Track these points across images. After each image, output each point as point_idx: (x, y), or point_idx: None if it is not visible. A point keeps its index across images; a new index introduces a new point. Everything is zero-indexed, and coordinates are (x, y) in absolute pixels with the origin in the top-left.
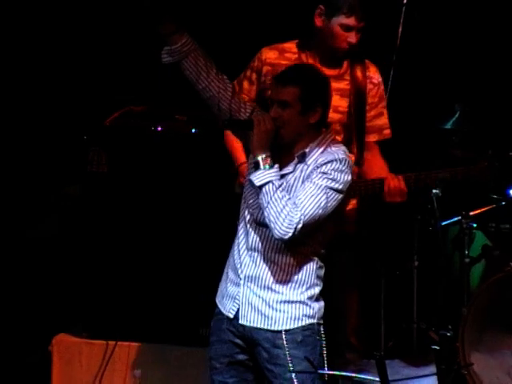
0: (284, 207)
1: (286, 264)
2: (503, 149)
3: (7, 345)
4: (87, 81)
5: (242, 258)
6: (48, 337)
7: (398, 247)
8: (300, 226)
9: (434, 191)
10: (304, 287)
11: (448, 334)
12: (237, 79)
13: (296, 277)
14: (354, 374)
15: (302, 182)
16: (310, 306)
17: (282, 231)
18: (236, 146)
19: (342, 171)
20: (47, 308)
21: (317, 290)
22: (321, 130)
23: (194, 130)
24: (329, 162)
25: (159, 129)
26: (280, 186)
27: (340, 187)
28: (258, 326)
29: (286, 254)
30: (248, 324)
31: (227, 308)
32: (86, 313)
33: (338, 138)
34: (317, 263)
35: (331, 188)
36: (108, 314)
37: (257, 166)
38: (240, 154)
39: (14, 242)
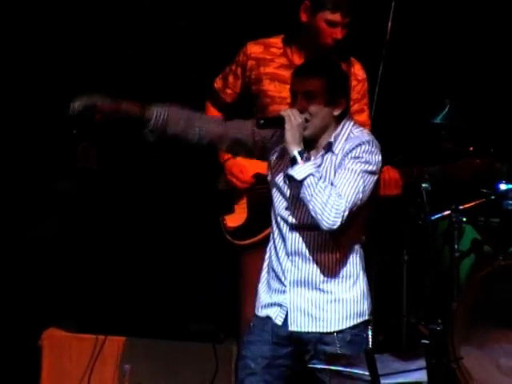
0: (329, 197)
1: (329, 261)
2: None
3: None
4: (77, 76)
5: (283, 266)
6: (38, 331)
7: (387, 241)
8: (346, 213)
9: (423, 185)
10: (351, 281)
11: (438, 328)
12: (222, 73)
13: (341, 272)
14: (343, 368)
15: (335, 172)
16: (360, 303)
17: (330, 221)
18: None
19: (372, 152)
20: (38, 302)
21: (364, 282)
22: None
23: None
24: (357, 145)
25: None
26: (321, 177)
27: (374, 168)
28: (310, 330)
29: (328, 251)
30: (299, 329)
31: (274, 315)
32: (77, 307)
33: None
34: (358, 253)
35: (366, 171)
36: (98, 309)
37: (294, 161)
38: None
39: (8, 241)
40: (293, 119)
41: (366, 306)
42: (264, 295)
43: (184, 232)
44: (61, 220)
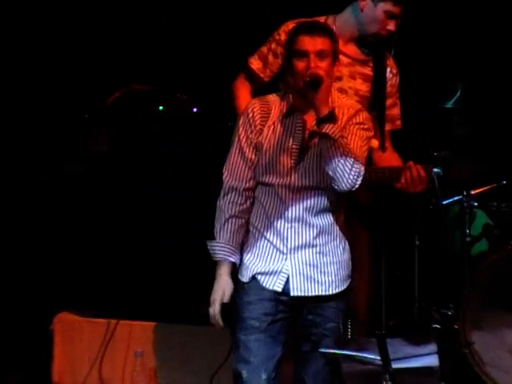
0: (354, 159)
1: (326, 224)
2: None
3: (9, 323)
4: (88, 60)
5: (283, 233)
6: (50, 315)
7: (399, 226)
8: (362, 177)
9: (435, 170)
10: (343, 243)
11: (449, 313)
12: (258, 53)
13: (336, 234)
14: (355, 353)
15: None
16: (350, 265)
17: (352, 182)
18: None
19: (369, 119)
20: (49, 286)
21: (348, 243)
22: None
23: (195, 109)
24: (358, 112)
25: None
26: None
27: (372, 134)
28: (313, 294)
29: (326, 214)
30: (302, 294)
31: (272, 283)
32: (88, 291)
33: None
34: (342, 216)
35: (368, 137)
36: (110, 293)
37: (328, 120)
38: None
39: (16, 222)
40: (327, 79)
41: (351, 269)
42: (256, 263)
43: (196, 215)
44: (72, 204)
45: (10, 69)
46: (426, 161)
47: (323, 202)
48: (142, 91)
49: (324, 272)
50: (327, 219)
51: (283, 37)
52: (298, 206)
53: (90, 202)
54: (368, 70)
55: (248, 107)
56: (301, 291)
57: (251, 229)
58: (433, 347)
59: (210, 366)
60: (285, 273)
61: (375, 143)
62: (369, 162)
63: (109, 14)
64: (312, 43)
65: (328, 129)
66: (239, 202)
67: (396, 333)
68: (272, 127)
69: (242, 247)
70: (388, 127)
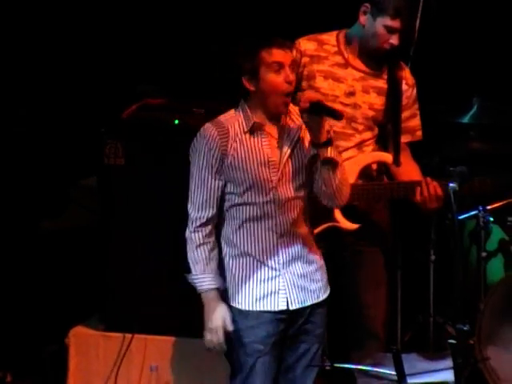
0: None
1: (307, 232)
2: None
3: (24, 337)
4: (104, 73)
5: (272, 249)
6: (65, 329)
7: (414, 241)
8: None
9: (450, 185)
10: (317, 248)
11: (464, 328)
12: None
13: (313, 241)
14: (369, 368)
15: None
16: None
17: (347, 199)
18: None
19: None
20: (64, 300)
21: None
22: None
23: None
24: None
25: None
26: None
27: None
28: (309, 304)
29: (305, 222)
30: (300, 306)
31: (275, 304)
32: (103, 305)
33: (370, 134)
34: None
35: None
36: (125, 307)
37: (329, 144)
38: None
39: (31, 234)
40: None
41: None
42: (253, 288)
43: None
44: (79, 212)
45: (27, 82)
46: (442, 176)
47: (303, 211)
48: (157, 105)
49: (313, 280)
50: (307, 227)
51: (295, 54)
52: (284, 220)
53: (105, 215)
54: (382, 83)
55: (205, 134)
56: (299, 303)
57: (235, 251)
58: (448, 362)
59: (225, 380)
60: (282, 289)
61: (389, 158)
62: (388, 177)
63: (128, 29)
64: (285, 56)
65: (332, 153)
66: (205, 230)
67: (411, 348)
68: (238, 147)
69: (223, 271)
70: (407, 139)
